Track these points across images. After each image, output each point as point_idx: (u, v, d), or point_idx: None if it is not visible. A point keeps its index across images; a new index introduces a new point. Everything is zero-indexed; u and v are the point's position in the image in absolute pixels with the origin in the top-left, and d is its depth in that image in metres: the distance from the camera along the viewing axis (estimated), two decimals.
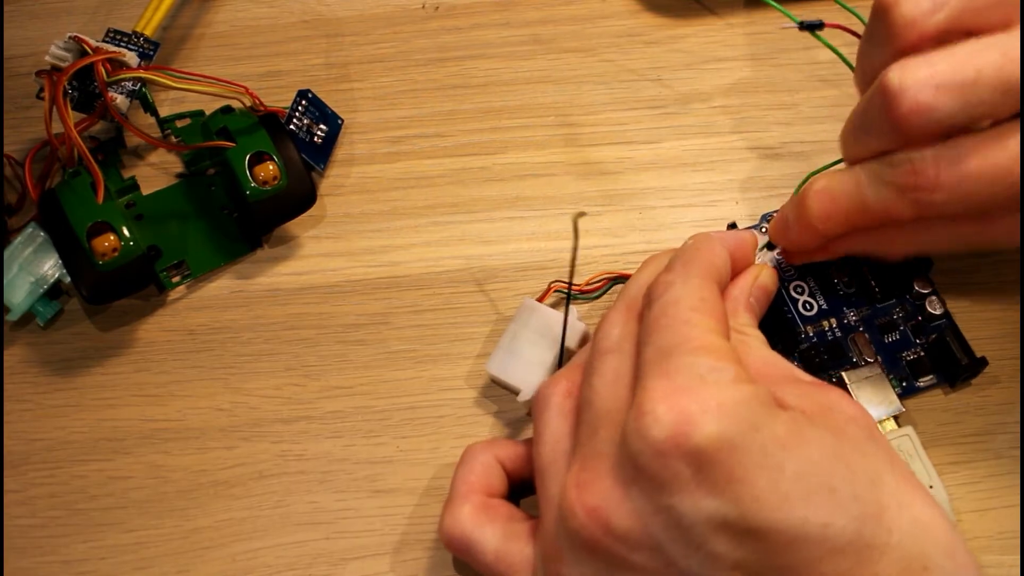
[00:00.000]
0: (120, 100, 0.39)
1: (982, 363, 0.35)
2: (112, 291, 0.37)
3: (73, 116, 0.37)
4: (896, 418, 0.34)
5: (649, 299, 0.29)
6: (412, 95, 0.43)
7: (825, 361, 0.36)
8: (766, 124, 0.42)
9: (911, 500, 0.26)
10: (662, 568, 0.26)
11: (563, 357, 0.35)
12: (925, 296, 0.37)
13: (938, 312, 0.36)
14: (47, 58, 0.38)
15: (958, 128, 0.29)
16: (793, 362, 0.36)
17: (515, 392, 0.36)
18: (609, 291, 0.39)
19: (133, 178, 0.41)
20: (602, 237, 0.40)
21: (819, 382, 0.30)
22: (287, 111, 0.41)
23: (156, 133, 0.42)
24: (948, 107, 0.28)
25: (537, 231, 0.40)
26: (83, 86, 0.39)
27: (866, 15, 0.31)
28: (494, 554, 0.30)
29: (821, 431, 0.26)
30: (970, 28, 0.29)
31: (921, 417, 0.36)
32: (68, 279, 0.37)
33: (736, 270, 0.34)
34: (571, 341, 0.35)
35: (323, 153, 0.41)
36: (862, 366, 0.35)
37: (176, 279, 0.40)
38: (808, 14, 0.35)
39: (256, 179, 0.38)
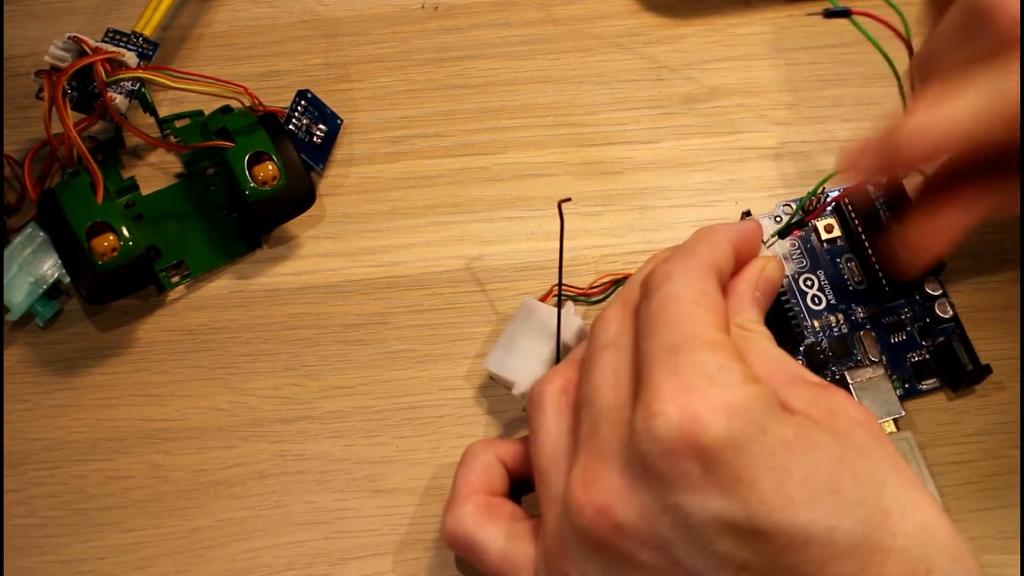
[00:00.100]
0: (119, 100, 0.38)
1: (986, 370, 0.35)
2: (112, 291, 0.37)
3: (72, 116, 0.37)
4: (896, 421, 0.34)
5: (647, 290, 0.29)
6: (412, 95, 0.43)
7: (829, 358, 0.36)
8: (766, 124, 0.42)
9: (915, 504, 0.26)
10: (669, 567, 0.26)
11: (559, 351, 0.35)
12: (935, 298, 0.36)
13: (947, 316, 0.36)
14: (46, 58, 0.38)
15: None
16: (797, 358, 0.36)
17: (511, 387, 0.35)
18: (613, 294, 0.39)
19: (132, 178, 0.41)
20: (602, 237, 0.40)
21: (825, 383, 0.30)
22: (286, 111, 0.41)
23: (155, 133, 0.42)
24: None
25: (537, 231, 0.40)
26: (82, 86, 0.39)
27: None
28: (498, 553, 0.30)
29: (827, 435, 0.26)
30: None
31: (921, 417, 0.36)
32: (67, 279, 0.37)
33: (741, 261, 0.32)
34: (569, 337, 0.35)
35: (322, 153, 0.41)
36: (866, 366, 0.35)
37: (175, 279, 0.40)
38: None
39: (255, 179, 0.38)
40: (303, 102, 0.41)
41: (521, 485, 0.33)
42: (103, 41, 0.40)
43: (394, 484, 0.36)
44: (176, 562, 0.35)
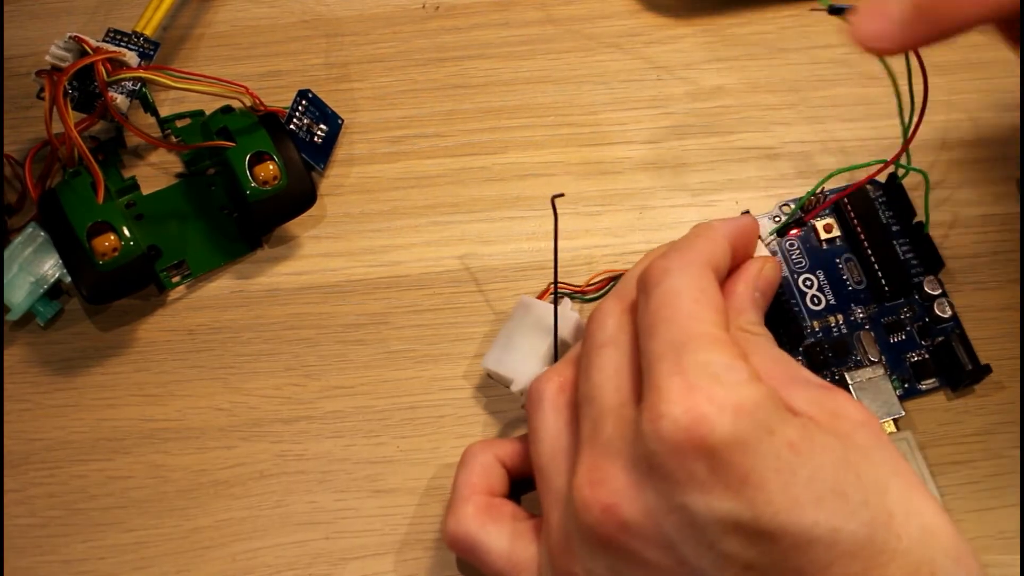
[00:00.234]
0: (120, 100, 0.38)
1: (986, 370, 0.35)
2: (112, 291, 0.37)
3: (73, 116, 0.37)
4: (896, 421, 0.34)
5: (645, 286, 0.29)
6: (412, 95, 0.43)
7: (829, 358, 0.36)
8: (766, 124, 0.42)
9: (919, 506, 0.26)
10: (674, 566, 0.26)
11: (557, 347, 0.35)
12: (935, 298, 0.36)
13: (946, 315, 0.36)
14: (47, 58, 0.38)
15: None
16: (797, 358, 0.36)
17: (509, 385, 0.35)
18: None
19: (133, 178, 0.41)
20: (602, 237, 0.40)
21: (827, 385, 0.30)
22: (287, 111, 0.41)
23: (156, 133, 0.42)
24: None
25: (537, 231, 0.40)
26: (83, 86, 0.39)
27: None
28: (500, 554, 0.30)
29: (830, 437, 0.26)
30: None
31: (921, 417, 0.36)
32: (68, 279, 0.37)
33: (737, 258, 0.32)
34: (567, 333, 0.35)
35: (323, 153, 0.41)
36: (865, 366, 0.35)
37: (176, 279, 0.40)
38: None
39: (256, 179, 0.38)
40: (304, 102, 0.41)
41: (521, 484, 0.33)
42: (104, 41, 0.40)
43: (395, 484, 0.36)
44: (176, 562, 0.35)
